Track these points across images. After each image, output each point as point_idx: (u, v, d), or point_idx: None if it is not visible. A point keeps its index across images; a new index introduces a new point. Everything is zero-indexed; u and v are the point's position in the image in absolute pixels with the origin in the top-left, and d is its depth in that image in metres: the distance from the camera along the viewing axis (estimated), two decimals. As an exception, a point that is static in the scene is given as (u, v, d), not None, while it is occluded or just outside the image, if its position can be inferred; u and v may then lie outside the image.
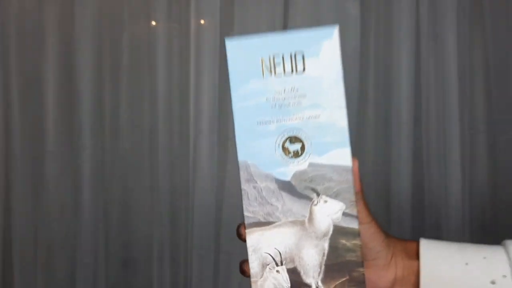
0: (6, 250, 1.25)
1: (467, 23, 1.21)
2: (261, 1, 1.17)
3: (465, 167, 1.18)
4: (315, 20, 1.18)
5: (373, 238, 0.46)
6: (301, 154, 0.39)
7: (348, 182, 0.40)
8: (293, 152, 0.39)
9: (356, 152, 1.25)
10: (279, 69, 0.38)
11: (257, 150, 0.39)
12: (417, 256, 0.48)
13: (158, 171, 1.19)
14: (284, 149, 0.39)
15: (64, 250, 1.24)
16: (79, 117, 1.18)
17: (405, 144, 1.15)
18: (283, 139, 0.39)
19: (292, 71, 0.38)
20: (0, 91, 1.21)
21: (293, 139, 0.39)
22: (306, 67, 0.38)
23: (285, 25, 1.19)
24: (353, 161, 0.40)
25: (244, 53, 0.39)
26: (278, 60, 0.38)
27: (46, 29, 1.17)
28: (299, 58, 0.38)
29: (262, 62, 0.38)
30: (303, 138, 0.39)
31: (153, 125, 1.21)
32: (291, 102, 0.38)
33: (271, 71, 0.38)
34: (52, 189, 1.21)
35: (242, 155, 0.40)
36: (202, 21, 1.19)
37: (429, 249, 0.48)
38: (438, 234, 1.17)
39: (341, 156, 0.39)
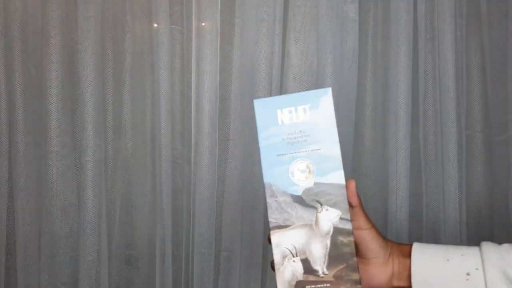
0: (10, 248, 1.26)
1: (464, 24, 1.22)
2: (261, 3, 1.18)
3: (462, 167, 1.19)
4: (314, 22, 1.20)
5: (373, 241, 0.60)
6: (308, 176, 0.55)
7: (343, 196, 0.57)
8: (304, 174, 0.56)
9: (354, 152, 1.27)
10: (291, 118, 0.56)
11: (277, 174, 0.56)
12: (409, 255, 0.61)
13: (160, 170, 1.21)
14: (298, 172, 0.55)
15: (67, 249, 1.25)
16: (82, 117, 1.19)
17: (402, 144, 1.16)
18: (296, 166, 0.55)
19: (300, 119, 0.56)
20: (4, 91, 1.23)
21: (303, 166, 0.55)
22: (309, 115, 0.55)
23: (284, 27, 1.21)
24: (350, 182, 0.57)
25: (266, 109, 0.56)
26: (290, 112, 0.56)
27: (49, 31, 1.18)
28: (304, 110, 0.55)
29: (278, 114, 0.56)
30: (309, 165, 0.55)
31: (155, 125, 1.22)
32: (300, 140, 0.55)
33: (284, 120, 0.56)
34: (55, 188, 1.22)
35: (267, 178, 0.57)
36: (203, 23, 1.21)
37: (418, 249, 0.61)
38: (435, 231, 1.19)
39: (337, 177, 0.55)
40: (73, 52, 1.21)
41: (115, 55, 1.27)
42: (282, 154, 0.55)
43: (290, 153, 0.55)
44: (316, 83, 1.18)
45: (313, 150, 0.55)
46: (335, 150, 0.55)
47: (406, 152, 1.16)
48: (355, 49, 1.21)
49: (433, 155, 1.20)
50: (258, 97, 1.21)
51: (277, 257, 0.59)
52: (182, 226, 1.26)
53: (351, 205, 0.58)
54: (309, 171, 0.55)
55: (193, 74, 1.21)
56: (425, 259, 0.60)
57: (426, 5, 1.20)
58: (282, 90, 1.22)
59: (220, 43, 1.21)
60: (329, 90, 0.56)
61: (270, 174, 0.55)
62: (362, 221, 0.59)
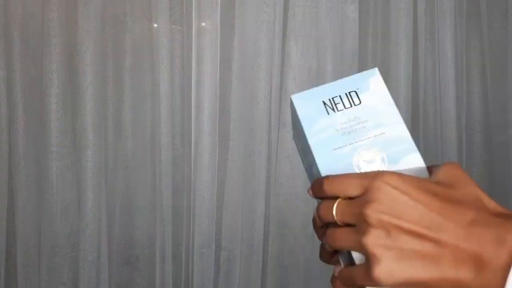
0: (10, 248, 1.26)
1: (464, 24, 1.22)
2: (261, 3, 1.18)
3: (462, 166, 1.19)
4: (314, 22, 1.20)
5: None
6: (380, 166, 0.43)
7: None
8: (372, 166, 0.43)
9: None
10: (340, 106, 0.45)
11: (340, 171, 0.43)
12: None
13: (160, 170, 1.21)
14: (362, 165, 0.43)
15: (67, 248, 1.25)
16: (82, 117, 1.19)
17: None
18: (360, 157, 0.43)
19: (351, 105, 0.45)
20: (4, 91, 1.23)
21: (369, 156, 0.43)
22: (361, 100, 0.45)
23: (284, 27, 1.21)
24: None
25: (308, 102, 0.46)
26: (337, 100, 0.46)
27: (49, 31, 1.18)
28: (353, 95, 0.46)
29: (324, 104, 0.46)
30: (376, 154, 0.43)
31: (155, 125, 1.22)
32: (357, 128, 0.44)
33: (333, 109, 0.45)
34: (55, 188, 1.22)
35: None
36: (203, 23, 1.21)
37: None
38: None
39: (414, 160, 0.44)
40: (73, 52, 1.21)
41: (115, 55, 1.27)
42: (340, 147, 0.44)
43: (350, 144, 0.44)
44: (316, 83, 1.18)
45: (376, 136, 0.44)
46: (403, 131, 0.44)
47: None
48: (355, 49, 1.21)
49: (433, 155, 1.20)
50: (258, 97, 1.21)
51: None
52: (182, 226, 1.26)
53: None
54: (379, 160, 0.43)
55: (193, 74, 1.21)
56: None
57: (426, 5, 1.20)
58: (282, 90, 1.22)
59: (220, 43, 1.21)
60: (376, 70, 0.47)
61: (331, 173, 0.43)
62: None
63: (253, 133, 1.21)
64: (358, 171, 0.43)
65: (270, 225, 1.23)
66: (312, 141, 0.45)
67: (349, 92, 0.46)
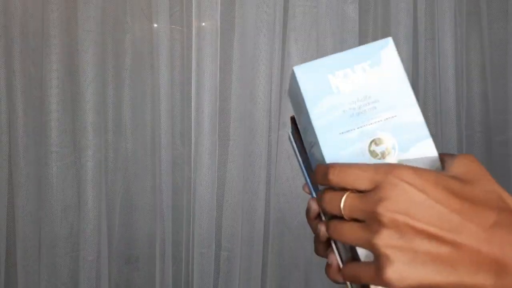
0: (10, 248, 1.26)
1: (464, 24, 1.22)
2: (261, 3, 1.18)
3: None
4: (314, 22, 1.20)
5: None
6: (388, 153, 0.39)
7: (438, 171, 0.39)
8: (381, 153, 0.39)
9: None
10: (348, 82, 0.40)
11: (346, 158, 0.39)
12: None
13: (160, 170, 1.21)
14: (371, 152, 0.39)
15: (67, 248, 1.25)
16: (82, 117, 1.19)
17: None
18: (368, 143, 0.39)
19: (360, 82, 0.40)
20: (4, 91, 1.23)
21: (378, 141, 0.40)
22: (372, 75, 0.40)
23: (284, 27, 1.21)
24: None
25: (313, 76, 0.41)
26: (346, 74, 0.40)
27: (49, 31, 1.18)
28: (363, 69, 0.40)
29: (330, 80, 0.40)
30: (386, 138, 0.39)
31: (155, 125, 1.22)
32: (366, 109, 0.40)
33: (341, 86, 0.40)
34: (55, 188, 1.22)
35: None
36: (203, 23, 1.21)
37: None
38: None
39: (426, 147, 0.40)
40: (73, 52, 1.21)
41: (115, 55, 1.27)
42: (347, 131, 0.39)
43: (358, 128, 0.39)
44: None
45: (386, 119, 0.39)
46: (416, 115, 0.40)
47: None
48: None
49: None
50: (258, 97, 1.21)
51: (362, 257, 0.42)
52: (182, 226, 1.26)
53: None
54: (388, 147, 0.39)
55: (193, 74, 1.21)
56: None
57: (426, 5, 1.20)
58: (282, 90, 1.22)
59: (220, 43, 1.21)
60: (390, 40, 0.42)
61: (336, 160, 0.39)
62: None
63: (253, 133, 1.21)
64: (367, 160, 0.39)
65: (270, 225, 1.23)
66: (316, 123, 0.40)
67: (360, 65, 0.41)
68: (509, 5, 1.22)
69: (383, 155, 0.39)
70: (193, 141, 1.22)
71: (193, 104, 1.21)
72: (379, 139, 0.39)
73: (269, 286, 1.26)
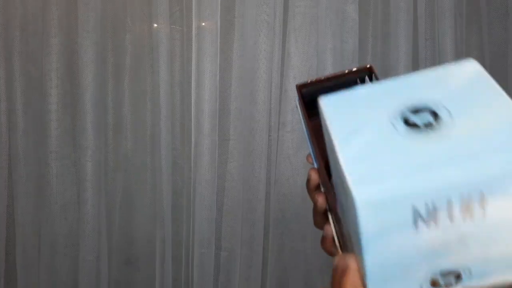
0: (10, 248, 1.26)
1: (464, 24, 1.22)
2: (261, 3, 1.18)
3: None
4: (314, 22, 1.20)
5: None
6: (456, 283, 0.28)
7: None
8: (445, 283, 0.28)
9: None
10: (442, 217, 0.26)
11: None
12: None
13: (160, 170, 1.21)
14: (433, 282, 0.29)
15: (67, 249, 1.25)
16: (82, 117, 1.19)
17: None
18: (433, 276, 0.28)
19: (465, 217, 0.26)
20: (4, 91, 1.23)
21: (445, 272, 0.28)
22: (487, 209, 0.26)
23: (284, 27, 1.21)
24: None
25: (389, 204, 0.26)
26: (440, 206, 0.26)
27: (49, 31, 1.18)
28: (475, 199, 0.26)
29: (413, 210, 0.26)
30: (459, 270, 0.28)
31: (155, 125, 1.22)
32: (454, 250, 0.27)
33: (428, 222, 0.26)
34: (55, 188, 1.22)
35: None
36: (203, 23, 1.21)
37: None
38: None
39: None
40: (73, 52, 1.21)
41: (115, 55, 1.27)
42: (413, 270, 0.28)
43: (429, 266, 0.28)
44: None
45: (475, 258, 0.28)
46: None
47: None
48: (355, 49, 1.21)
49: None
50: (258, 97, 1.20)
51: None
52: (182, 226, 1.26)
53: None
54: (458, 276, 0.28)
55: (193, 74, 1.21)
56: None
57: (426, 5, 1.20)
58: (282, 90, 1.22)
59: (220, 43, 1.21)
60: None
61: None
62: None
63: (253, 132, 1.21)
64: None
65: (270, 225, 1.23)
66: (368, 265, 0.28)
67: (468, 194, 0.26)
68: (509, 5, 1.22)
69: (447, 285, 0.29)
70: (193, 141, 1.22)
71: (193, 104, 1.21)
72: (448, 271, 0.28)
73: (269, 286, 1.26)
